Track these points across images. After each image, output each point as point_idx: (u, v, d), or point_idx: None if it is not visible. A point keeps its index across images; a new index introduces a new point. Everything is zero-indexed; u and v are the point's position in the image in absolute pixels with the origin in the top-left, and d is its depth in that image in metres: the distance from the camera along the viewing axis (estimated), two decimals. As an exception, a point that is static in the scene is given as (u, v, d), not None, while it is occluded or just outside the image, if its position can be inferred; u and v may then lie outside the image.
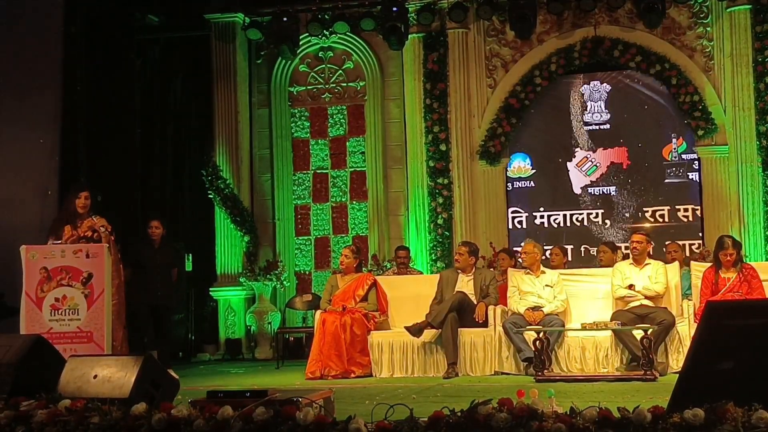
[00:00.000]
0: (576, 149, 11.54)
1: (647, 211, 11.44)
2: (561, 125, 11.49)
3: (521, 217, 11.73)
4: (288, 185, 12.67)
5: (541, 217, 11.68)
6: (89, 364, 4.93)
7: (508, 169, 11.71)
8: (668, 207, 11.38)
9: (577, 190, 11.69)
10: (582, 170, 11.40)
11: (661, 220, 11.36)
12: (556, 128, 11.50)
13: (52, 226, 8.27)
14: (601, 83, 11.46)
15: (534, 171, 11.50)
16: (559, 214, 11.66)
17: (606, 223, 11.52)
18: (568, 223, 11.59)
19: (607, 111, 11.33)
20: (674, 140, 11.22)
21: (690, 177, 11.39)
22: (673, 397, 4.00)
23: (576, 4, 11.66)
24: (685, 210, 11.14)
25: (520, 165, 11.39)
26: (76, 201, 8.19)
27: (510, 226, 11.78)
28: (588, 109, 11.53)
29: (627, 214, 11.54)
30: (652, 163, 11.51)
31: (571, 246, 11.44)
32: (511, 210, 11.70)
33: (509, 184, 11.78)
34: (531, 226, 11.67)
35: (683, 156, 11.42)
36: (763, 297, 7.88)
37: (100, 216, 8.12)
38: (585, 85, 11.53)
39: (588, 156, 11.53)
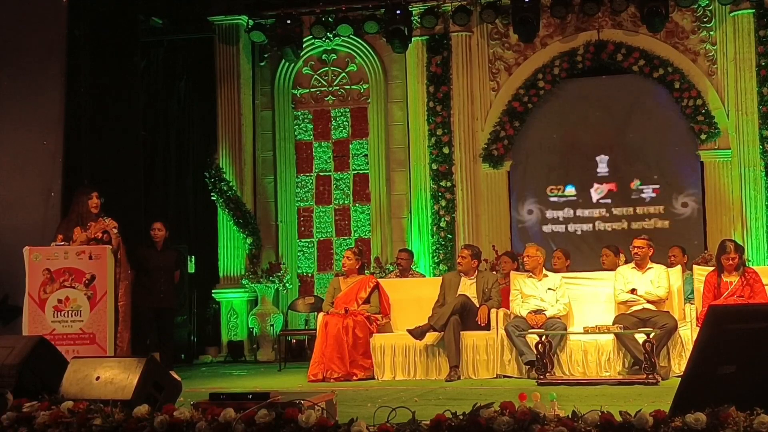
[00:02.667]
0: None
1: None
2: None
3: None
4: (291, 187, 12.68)
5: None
6: (92, 366, 4.94)
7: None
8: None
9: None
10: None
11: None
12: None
13: (62, 227, 8.26)
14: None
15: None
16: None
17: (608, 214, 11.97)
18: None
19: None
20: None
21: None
22: (675, 401, 4.00)
23: (579, 8, 11.67)
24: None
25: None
26: (88, 202, 8.18)
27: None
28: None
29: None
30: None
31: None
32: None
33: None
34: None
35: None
36: (766, 301, 7.88)
37: (109, 217, 8.11)
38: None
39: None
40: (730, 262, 8.08)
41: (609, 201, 11.94)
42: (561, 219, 12.11)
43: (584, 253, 11.60)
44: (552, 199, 12.16)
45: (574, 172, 12.09)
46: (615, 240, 11.53)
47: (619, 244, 10.18)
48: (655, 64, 11.52)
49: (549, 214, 12.15)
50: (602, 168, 12.11)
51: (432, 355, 8.66)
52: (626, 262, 9.31)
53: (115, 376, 4.79)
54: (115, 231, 8.00)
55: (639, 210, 11.89)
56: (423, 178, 11.99)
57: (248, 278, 12.04)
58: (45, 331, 7.46)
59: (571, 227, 12.12)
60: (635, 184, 11.95)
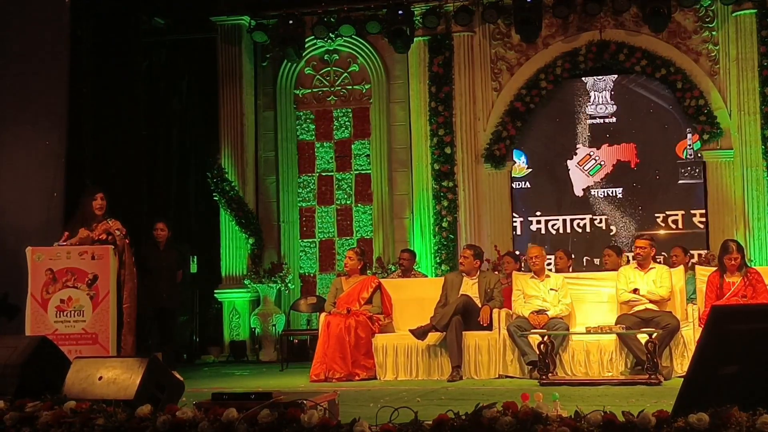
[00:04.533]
0: (578, 146, 11.50)
1: (658, 216, 11.43)
2: (562, 121, 11.40)
3: (515, 222, 11.71)
4: (293, 188, 12.68)
5: (538, 222, 11.68)
6: (94, 366, 4.94)
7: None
8: (682, 211, 11.40)
9: (579, 192, 11.72)
10: (584, 169, 11.40)
11: (674, 226, 11.35)
12: (556, 124, 11.43)
13: (67, 227, 8.25)
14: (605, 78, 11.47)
15: (530, 170, 11.48)
16: (558, 219, 11.66)
17: (611, 230, 11.50)
18: (569, 230, 11.57)
19: (613, 103, 11.32)
20: (689, 135, 11.18)
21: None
22: (677, 402, 4.00)
23: (581, 8, 11.66)
24: (701, 215, 11.17)
25: (517, 164, 11.40)
26: (93, 203, 8.18)
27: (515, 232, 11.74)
28: (592, 100, 11.51)
29: (636, 219, 11.53)
30: (664, 162, 11.42)
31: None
32: (567, 211, 11.61)
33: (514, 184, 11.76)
34: (525, 233, 11.62)
35: (699, 154, 11.31)
36: (768, 301, 7.87)
37: (114, 219, 8.11)
38: (589, 78, 11.49)
39: (591, 153, 11.51)
40: (733, 262, 8.08)
41: (610, 202, 11.69)
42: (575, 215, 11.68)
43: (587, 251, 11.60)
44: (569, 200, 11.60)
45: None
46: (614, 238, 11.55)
47: (618, 242, 10.16)
48: (657, 64, 11.51)
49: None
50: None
51: (434, 356, 8.65)
52: (628, 263, 9.30)
53: (117, 376, 4.79)
54: (119, 233, 7.99)
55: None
56: (425, 179, 11.98)
57: (250, 278, 12.05)
58: (47, 331, 7.45)
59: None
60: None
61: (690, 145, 11.21)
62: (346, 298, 9.17)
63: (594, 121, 11.59)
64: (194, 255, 12.26)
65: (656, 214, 11.39)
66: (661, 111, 11.50)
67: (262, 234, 12.39)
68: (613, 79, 11.55)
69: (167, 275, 9.53)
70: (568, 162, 11.66)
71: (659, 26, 11.44)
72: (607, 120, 11.56)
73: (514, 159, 11.55)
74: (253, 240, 12.25)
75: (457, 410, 4.00)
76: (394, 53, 12.21)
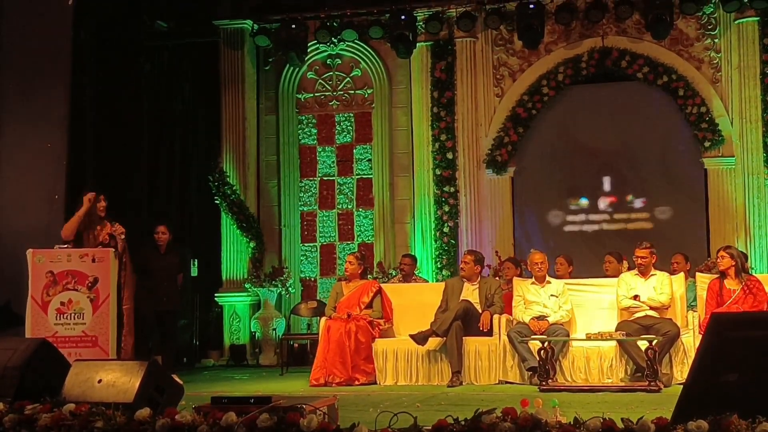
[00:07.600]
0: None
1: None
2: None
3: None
4: (294, 192, 12.68)
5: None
6: (94, 369, 4.94)
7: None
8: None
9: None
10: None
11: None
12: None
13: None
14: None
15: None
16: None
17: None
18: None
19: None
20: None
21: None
22: (677, 409, 4.00)
23: (584, 15, 11.67)
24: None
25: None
26: (96, 204, 8.20)
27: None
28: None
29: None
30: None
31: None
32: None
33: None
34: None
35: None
36: (769, 309, 7.87)
37: (115, 221, 8.12)
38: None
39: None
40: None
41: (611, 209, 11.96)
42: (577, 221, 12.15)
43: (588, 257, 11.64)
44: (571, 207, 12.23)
45: (579, 180, 12.07)
46: (616, 244, 11.58)
47: (620, 248, 10.19)
48: (659, 71, 11.52)
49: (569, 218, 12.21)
50: (606, 186, 12.13)
51: (434, 361, 8.65)
52: (629, 269, 9.30)
53: (117, 379, 4.80)
54: (123, 237, 8.01)
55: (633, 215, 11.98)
56: (426, 184, 11.99)
57: (251, 282, 12.05)
58: (47, 333, 7.46)
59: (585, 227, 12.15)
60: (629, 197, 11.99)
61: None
62: (347, 302, 9.17)
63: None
64: (195, 258, 12.25)
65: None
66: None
67: (263, 238, 12.39)
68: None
69: (168, 278, 9.53)
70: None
71: (661, 33, 11.45)
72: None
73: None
74: (254, 244, 12.25)
75: (456, 416, 4.00)
76: (396, 58, 12.22)
